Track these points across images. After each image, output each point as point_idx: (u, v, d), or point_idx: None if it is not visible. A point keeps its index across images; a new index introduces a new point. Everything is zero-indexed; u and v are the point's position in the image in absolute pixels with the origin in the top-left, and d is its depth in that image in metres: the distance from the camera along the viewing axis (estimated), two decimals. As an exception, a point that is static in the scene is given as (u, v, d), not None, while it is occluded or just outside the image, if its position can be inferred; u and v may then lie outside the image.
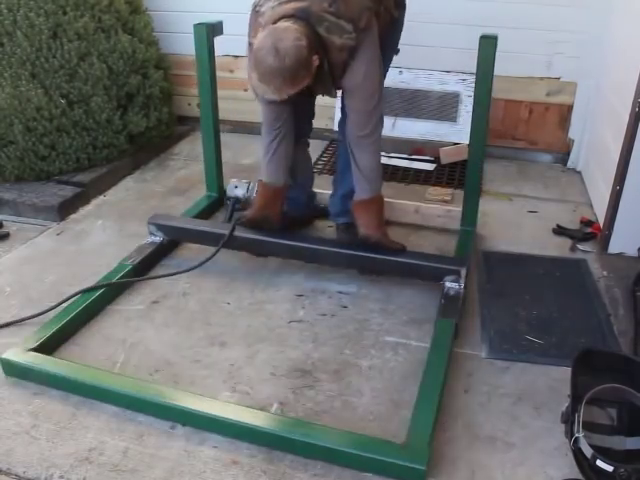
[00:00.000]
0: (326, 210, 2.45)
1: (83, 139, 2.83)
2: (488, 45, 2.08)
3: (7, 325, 1.92)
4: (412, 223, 2.52)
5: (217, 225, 2.35)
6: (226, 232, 2.15)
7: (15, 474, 1.44)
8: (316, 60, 1.76)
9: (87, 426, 1.57)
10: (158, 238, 2.29)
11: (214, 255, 2.13)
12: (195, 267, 2.11)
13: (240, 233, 2.16)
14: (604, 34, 2.83)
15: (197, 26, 2.37)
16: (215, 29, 2.41)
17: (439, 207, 2.59)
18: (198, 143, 3.44)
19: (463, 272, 1.99)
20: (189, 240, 2.36)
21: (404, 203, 2.57)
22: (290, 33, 1.71)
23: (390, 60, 2.16)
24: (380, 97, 1.97)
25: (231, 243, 2.17)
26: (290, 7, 1.77)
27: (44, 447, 1.51)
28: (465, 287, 2.00)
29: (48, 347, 1.79)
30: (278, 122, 2.06)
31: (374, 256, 2.07)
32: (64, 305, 1.95)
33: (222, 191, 2.67)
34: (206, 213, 2.58)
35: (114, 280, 2.05)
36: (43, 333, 1.81)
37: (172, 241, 2.35)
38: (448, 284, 1.99)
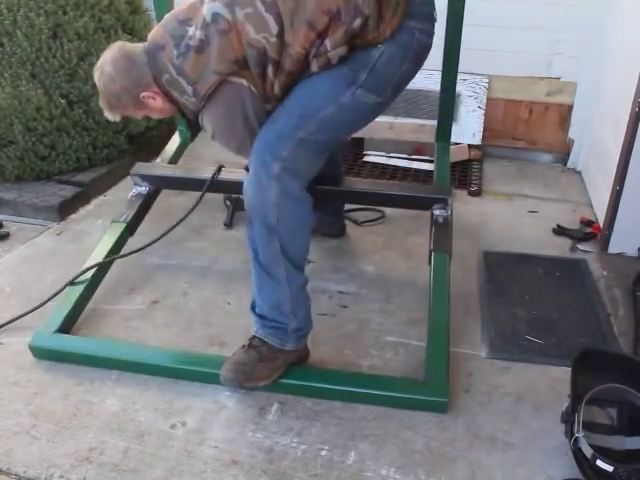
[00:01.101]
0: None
1: (83, 139, 2.83)
2: None
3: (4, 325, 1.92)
4: (387, 138, 2.63)
5: (201, 170, 2.32)
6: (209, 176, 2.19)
7: (15, 474, 1.44)
8: (151, 97, 1.62)
9: (87, 426, 1.57)
10: (144, 188, 2.31)
11: (198, 202, 2.13)
12: (183, 217, 2.12)
13: (224, 177, 2.19)
14: (604, 34, 2.83)
15: None
16: None
17: (412, 122, 2.67)
18: (198, 143, 3.44)
19: (450, 200, 2.12)
20: (174, 187, 2.44)
21: (378, 121, 2.68)
22: (114, 61, 1.61)
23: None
24: (242, 150, 1.69)
25: (215, 187, 2.20)
26: (150, 36, 1.62)
27: (44, 447, 1.51)
28: (452, 214, 2.14)
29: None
30: None
31: (369, 190, 2.21)
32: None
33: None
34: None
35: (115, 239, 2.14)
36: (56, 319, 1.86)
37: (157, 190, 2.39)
38: (437, 212, 2.11)
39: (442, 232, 2.05)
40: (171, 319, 1.98)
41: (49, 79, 2.70)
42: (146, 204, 2.31)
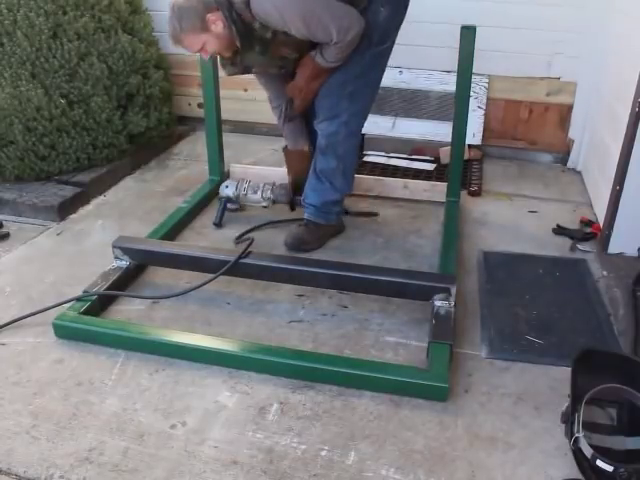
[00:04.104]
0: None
1: (83, 139, 2.83)
2: (468, 35, 2.33)
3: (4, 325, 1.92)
4: (402, 197, 2.75)
5: (191, 248, 2.18)
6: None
7: (15, 474, 1.44)
8: (214, 22, 1.91)
9: (87, 426, 1.57)
10: (124, 262, 2.11)
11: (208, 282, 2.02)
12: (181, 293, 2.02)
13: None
14: (604, 34, 2.84)
15: None
16: None
17: (425, 182, 2.82)
18: (198, 143, 3.46)
19: (453, 290, 1.87)
20: (160, 264, 2.19)
21: (394, 180, 2.84)
22: None
23: None
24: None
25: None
26: None
27: (44, 447, 1.51)
28: (455, 305, 1.88)
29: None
30: (277, 101, 2.36)
31: (360, 276, 1.96)
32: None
33: (224, 174, 2.81)
34: (212, 195, 2.74)
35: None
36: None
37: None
38: (438, 303, 1.88)
39: (444, 323, 1.82)
40: (171, 319, 1.98)
41: (49, 79, 2.70)
42: (123, 279, 2.09)
